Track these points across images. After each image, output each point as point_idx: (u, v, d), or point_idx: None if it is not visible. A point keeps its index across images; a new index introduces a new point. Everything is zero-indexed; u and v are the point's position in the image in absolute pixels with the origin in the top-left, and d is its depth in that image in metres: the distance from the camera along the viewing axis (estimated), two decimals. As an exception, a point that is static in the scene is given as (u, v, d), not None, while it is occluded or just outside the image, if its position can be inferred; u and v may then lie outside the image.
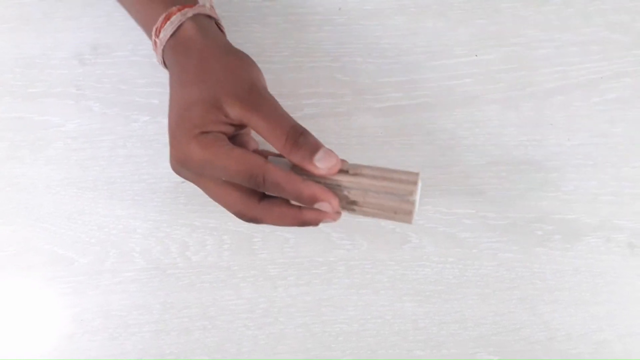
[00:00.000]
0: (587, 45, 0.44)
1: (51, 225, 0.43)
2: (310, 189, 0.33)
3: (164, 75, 0.44)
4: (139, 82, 0.44)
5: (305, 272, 0.42)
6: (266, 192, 0.34)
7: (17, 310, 0.42)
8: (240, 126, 0.35)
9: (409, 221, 0.33)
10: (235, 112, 0.34)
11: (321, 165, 0.33)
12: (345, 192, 0.34)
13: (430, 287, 0.41)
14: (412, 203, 0.33)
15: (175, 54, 0.37)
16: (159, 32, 0.37)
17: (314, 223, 0.35)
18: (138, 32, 0.44)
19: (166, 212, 0.43)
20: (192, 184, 0.36)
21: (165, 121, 0.43)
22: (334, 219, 0.35)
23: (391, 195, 0.33)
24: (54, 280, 0.42)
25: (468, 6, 0.44)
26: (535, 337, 0.41)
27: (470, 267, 0.42)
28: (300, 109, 0.43)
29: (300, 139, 0.33)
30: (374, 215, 0.34)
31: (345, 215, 0.43)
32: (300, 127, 0.34)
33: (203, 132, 0.34)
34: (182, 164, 0.35)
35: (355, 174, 0.34)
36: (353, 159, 0.43)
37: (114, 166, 0.43)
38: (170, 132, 0.36)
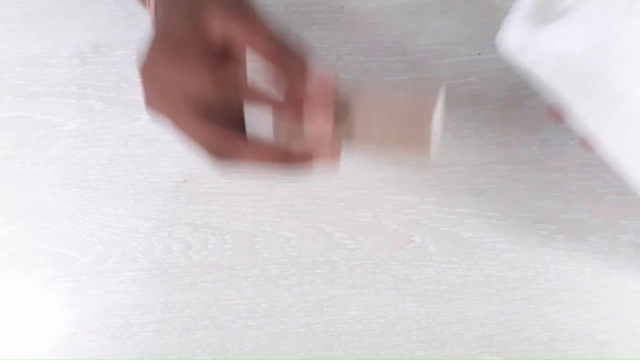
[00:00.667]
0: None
1: (53, 225, 0.43)
2: (300, 89, 0.28)
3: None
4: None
5: (308, 272, 0.42)
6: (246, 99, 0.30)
7: (18, 309, 0.42)
8: (226, 48, 0.31)
9: (425, 140, 0.26)
10: (216, 29, 0.30)
11: (319, 75, 0.29)
12: (343, 98, 0.28)
13: (433, 287, 0.41)
14: (436, 95, 0.26)
15: None
16: None
17: (304, 155, 0.30)
18: (139, 31, 0.44)
19: (168, 211, 0.43)
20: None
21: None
22: (331, 156, 0.30)
23: (404, 93, 0.27)
24: (56, 280, 0.42)
25: (471, 5, 0.44)
26: (539, 337, 0.41)
27: (473, 267, 0.41)
28: (303, 108, 0.43)
29: (289, 55, 0.30)
30: (380, 122, 0.27)
31: (347, 214, 0.43)
32: (289, 37, 0.30)
33: (180, 55, 0.30)
34: (157, 90, 0.31)
35: (356, 92, 0.28)
36: (355, 158, 0.43)
37: (116, 165, 0.43)
38: (146, 55, 0.32)
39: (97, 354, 0.41)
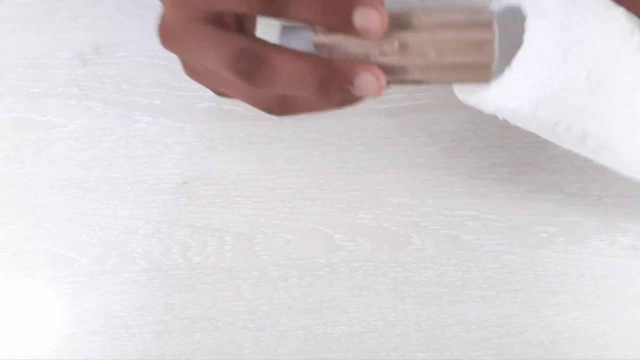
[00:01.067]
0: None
1: (52, 226, 0.43)
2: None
3: (166, 76, 0.44)
4: (141, 82, 0.44)
5: (307, 274, 0.42)
6: (284, 15, 0.25)
7: (18, 310, 0.42)
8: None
9: (490, 37, 0.24)
10: None
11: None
12: (396, 14, 0.24)
13: (433, 290, 0.41)
14: (492, 14, 0.24)
15: None
16: None
17: (347, 76, 0.25)
18: (141, 33, 0.44)
19: (167, 213, 0.43)
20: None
21: (166, 121, 0.43)
22: (377, 78, 0.25)
23: (460, 12, 0.24)
24: (55, 281, 0.42)
25: (469, 4, 0.44)
26: (539, 340, 0.41)
27: (473, 269, 0.41)
28: (303, 110, 0.43)
29: None
30: (437, 45, 0.24)
31: (347, 216, 0.43)
32: None
33: None
34: (175, 3, 0.26)
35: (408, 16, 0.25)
36: (355, 160, 0.44)
37: (116, 167, 0.43)
38: None
39: (97, 355, 0.41)
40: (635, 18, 0.28)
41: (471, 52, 0.25)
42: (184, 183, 0.43)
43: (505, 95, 0.28)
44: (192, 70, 0.30)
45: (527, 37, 0.27)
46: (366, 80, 0.25)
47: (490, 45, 0.25)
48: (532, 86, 0.27)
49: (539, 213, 0.42)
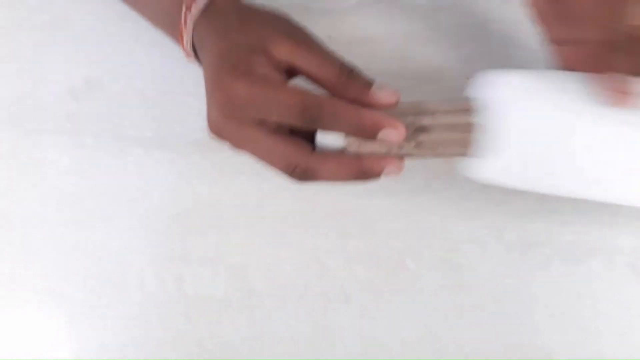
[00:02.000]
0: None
1: (47, 261, 0.43)
2: (372, 115, 0.30)
3: (157, 109, 0.44)
4: (133, 115, 0.44)
5: (302, 303, 0.41)
6: (321, 128, 0.31)
7: (11, 347, 0.42)
8: (289, 73, 0.33)
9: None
10: (283, 50, 0.31)
11: (381, 93, 0.31)
12: (411, 119, 0.31)
13: (428, 314, 0.41)
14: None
15: (210, 20, 0.35)
16: (190, 6, 0.35)
17: (376, 171, 0.32)
18: (131, 66, 0.45)
19: (161, 245, 0.43)
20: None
21: (158, 154, 0.44)
22: (398, 167, 0.32)
23: (462, 113, 0.31)
24: (50, 316, 0.42)
25: (458, 30, 0.44)
26: (539, 363, 0.40)
27: (468, 293, 0.41)
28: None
29: (353, 72, 0.32)
30: (444, 142, 0.32)
31: (340, 243, 0.43)
32: (350, 63, 0.32)
33: (250, 71, 0.31)
34: (225, 108, 0.31)
35: (417, 104, 0.32)
36: (348, 185, 0.43)
37: (109, 200, 0.43)
38: (209, 80, 0.33)
39: (92, 393, 0.41)
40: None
41: (468, 146, 0.33)
42: (177, 214, 0.43)
43: (493, 175, 0.35)
44: (239, 151, 0.34)
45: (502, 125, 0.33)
46: (390, 170, 0.32)
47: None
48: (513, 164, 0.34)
49: (534, 234, 0.42)
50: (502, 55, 0.44)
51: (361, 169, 0.32)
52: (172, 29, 0.37)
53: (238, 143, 0.33)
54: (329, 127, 0.31)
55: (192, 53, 0.37)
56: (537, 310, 0.41)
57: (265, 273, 0.42)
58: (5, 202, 0.43)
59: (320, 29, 0.44)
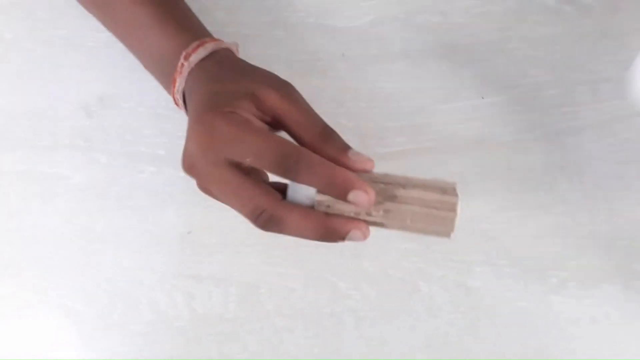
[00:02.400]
0: (597, 84, 0.43)
1: (59, 277, 0.43)
2: (344, 174, 0.30)
3: (170, 126, 0.44)
4: (145, 132, 0.44)
5: (313, 324, 0.41)
6: (294, 179, 0.31)
7: (26, 362, 0.43)
8: (271, 124, 0.33)
9: (449, 224, 0.31)
10: (271, 101, 0.32)
11: (356, 158, 0.31)
12: (382, 187, 0.31)
13: (442, 339, 0.40)
14: (456, 195, 0.31)
15: (204, 69, 0.36)
16: (189, 56, 0.36)
17: (341, 233, 0.31)
18: (144, 83, 0.45)
19: (172, 263, 0.43)
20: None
21: (170, 171, 0.44)
22: (363, 233, 0.32)
23: (433, 189, 0.31)
24: (62, 334, 0.42)
25: (473, 48, 0.44)
26: (553, 388, 0.40)
27: (482, 317, 0.40)
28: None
29: (334, 135, 0.32)
30: (412, 215, 0.31)
31: (351, 263, 0.42)
32: (330, 128, 0.33)
33: (234, 112, 0.31)
34: (203, 144, 0.31)
35: (389, 175, 0.32)
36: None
37: (121, 217, 0.43)
38: (192, 115, 0.33)
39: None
40: None
41: (437, 224, 0.32)
42: (188, 233, 0.43)
43: None
44: (205, 191, 0.34)
45: None
46: (355, 235, 0.32)
47: (452, 221, 0.31)
48: None
49: (549, 257, 0.41)
50: (519, 73, 0.43)
51: (327, 227, 0.31)
52: (164, 75, 0.38)
53: (207, 180, 0.33)
54: (303, 178, 0.31)
55: (180, 100, 0.37)
56: (551, 333, 0.40)
57: (276, 293, 0.42)
58: (18, 218, 0.44)
59: (333, 46, 0.44)
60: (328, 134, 0.32)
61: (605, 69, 0.43)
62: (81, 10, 0.46)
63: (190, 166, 0.33)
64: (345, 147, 0.32)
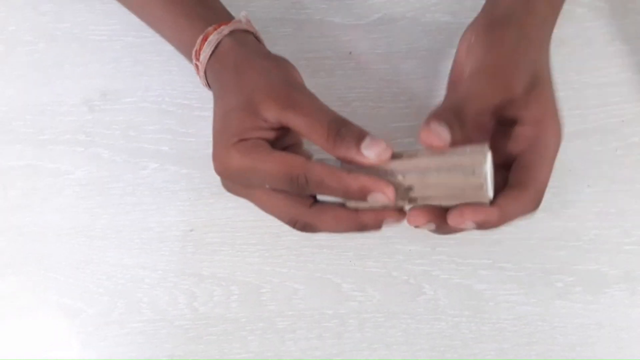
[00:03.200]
0: (606, 87, 0.43)
1: (59, 275, 0.42)
2: (357, 180, 0.30)
3: (173, 122, 0.44)
4: (148, 128, 0.44)
5: (315, 325, 0.41)
6: (313, 194, 0.33)
7: (21, 358, 0.42)
8: (283, 129, 0.33)
9: (483, 198, 0.29)
10: (271, 114, 0.32)
11: (369, 152, 0.30)
12: (400, 178, 0.30)
13: (446, 342, 0.40)
14: (481, 175, 0.28)
15: (213, 71, 0.36)
16: (199, 54, 0.36)
17: (375, 225, 0.32)
18: (147, 79, 0.44)
19: (174, 261, 0.42)
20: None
21: (173, 168, 0.43)
22: (397, 220, 0.32)
23: (454, 172, 0.29)
24: (62, 332, 0.42)
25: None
26: (557, 394, 0.39)
27: (487, 321, 0.40)
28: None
29: (342, 130, 0.31)
30: (438, 201, 0.30)
31: (355, 265, 0.42)
32: (342, 118, 0.32)
33: (242, 140, 0.32)
34: (224, 176, 0.34)
35: (410, 157, 0.30)
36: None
37: (123, 214, 0.43)
38: (213, 145, 0.34)
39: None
40: None
41: (468, 199, 0.30)
42: (191, 230, 0.42)
43: None
44: (232, 191, 0.37)
45: None
46: (389, 222, 0.32)
47: (484, 196, 0.30)
48: None
49: (554, 261, 0.40)
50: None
51: (359, 223, 0.32)
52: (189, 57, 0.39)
53: (242, 196, 0.35)
54: (318, 193, 0.32)
55: (209, 88, 0.38)
56: (556, 339, 0.40)
57: (278, 293, 0.41)
58: (19, 215, 0.43)
59: (340, 45, 0.44)
60: (335, 132, 0.31)
61: (615, 72, 0.43)
62: (85, 4, 0.45)
63: (227, 189, 0.36)
64: (357, 141, 0.30)
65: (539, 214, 0.41)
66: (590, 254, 0.40)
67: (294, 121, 0.32)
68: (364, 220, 0.32)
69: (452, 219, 0.30)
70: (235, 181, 0.34)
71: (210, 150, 0.43)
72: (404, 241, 0.41)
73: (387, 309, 0.41)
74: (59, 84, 0.45)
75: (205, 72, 0.37)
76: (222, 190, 0.42)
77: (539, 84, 0.33)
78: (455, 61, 0.38)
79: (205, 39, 0.36)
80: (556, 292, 0.40)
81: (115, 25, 0.45)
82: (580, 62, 0.43)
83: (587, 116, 0.42)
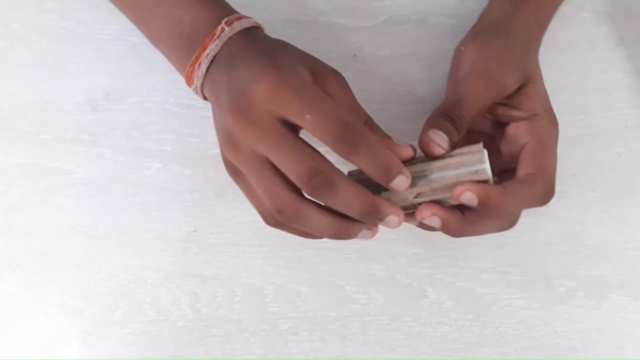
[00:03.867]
0: (611, 92, 0.43)
1: (61, 274, 0.42)
2: (397, 159, 0.31)
3: (177, 122, 0.44)
4: (152, 128, 0.43)
5: (318, 328, 0.41)
6: (349, 153, 0.30)
7: (23, 357, 0.42)
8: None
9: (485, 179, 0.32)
10: (329, 83, 0.33)
11: (399, 147, 0.33)
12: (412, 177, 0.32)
13: (448, 346, 0.40)
14: (485, 172, 0.31)
15: (252, 38, 0.34)
16: (232, 23, 0.34)
17: (382, 214, 0.31)
18: (152, 78, 0.44)
19: (177, 262, 0.42)
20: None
21: (176, 168, 0.43)
22: (399, 222, 0.32)
23: (458, 173, 0.32)
24: (64, 331, 0.42)
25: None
26: (558, 398, 0.39)
27: (489, 325, 0.40)
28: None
29: (376, 125, 0.34)
30: (444, 200, 0.32)
31: (359, 267, 0.42)
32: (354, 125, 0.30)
33: (303, 72, 0.31)
34: (266, 93, 0.30)
35: (412, 164, 0.33)
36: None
37: (126, 214, 0.43)
38: (251, 70, 0.31)
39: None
40: None
41: (464, 177, 0.32)
42: (194, 231, 0.42)
43: None
44: (234, 172, 0.34)
45: None
46: (392, 220, 0.32)
47: (482, 168, 0.32)
48: None
49: (557, 266, 0.41)
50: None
51: (374, 205, 0.31)
52: (183, 47, 0.36)
53: (259, 132, 0.30)
54: (360, 154, 0.31)
55: (205, 66, 0.35)
56: (558, 343, 0.40)
57: (281, 295, 0.41)
58: (21, 213, 0.43)
59: (345, 47, 0.44)
60: (373, 123, 0.34)
61: (619, 77, 0.43)
62: (89, 2, 0.45)
63: (240, 113, 0.31)
64: (388, 136, 0.33)
65: (543, 218, 0.41)
66: (593, 259, 0.41)
67: (345, 99, 0.34)
68: (378, 204, 0.31)
69: (456, 190, 0.31)
70: (275, 100, 0.30)
71: (213, 151, 0.43)
72: (407, 244, 0.41)
73: (390, 311, 0.41)
74: (63, 83, 0.45)
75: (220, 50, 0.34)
76: (226, 191, 0.43)
77: (529, 82, 0.35)
78: (449, 74, 0.40)
79: (244, 17, 0.35)
80: (559, 296, 0.40)
81: (120, 25, 0.45)
82: (584, 67, 0.43)
83: (591, 121, 0.42)
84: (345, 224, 0.32)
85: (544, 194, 0.34)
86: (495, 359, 0.40)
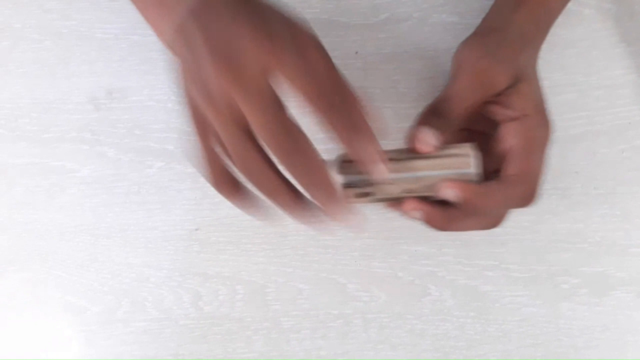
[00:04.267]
0: (613, 89, 0.42)
1: (64, 273, 0.42)
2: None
3: (179, 121, 0.44)
4: (154, 127, 0.44)
5: (320, 325, 0.41)
6: (329, 118, 0.29)
7: (25, 356, 0.42)
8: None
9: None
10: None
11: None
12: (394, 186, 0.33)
13: (451, 343, 0.40)
14: (470, 176, 0.32)
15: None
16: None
17: (306, 206, 0.31)
18: (154, 77, 0.44)
19: (179, 260, 0.42)
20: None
21: (179, 167, 0.43)
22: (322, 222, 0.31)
23: (447, 172, 0.32)
24: (67, 330, 0.42)
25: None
26: (562, 396, 0.39)
27: (492, 322, 0.40)
28: (316, 155, 0.43)
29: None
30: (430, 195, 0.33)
31: (361, 265, 0.42)
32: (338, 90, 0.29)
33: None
34: (257, 42, 0.28)
35: (400, 160, 0.33)
36: (370, 206, 0.43)
37: (128, 213, 0.43)
38: (241, 13, 0.29)
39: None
40: None
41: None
42: (196, 230, 0.42)
43: None
44: (198, 121, 0.31)
45: None
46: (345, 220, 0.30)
47: (470, 171, 0.33)
48: None
49: (560, 263, 0.40)
50: (533, 77, 0.43)
51: (295, 197, 0.31)
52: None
53: (249, 83, 0.29)
54: (338, 118, 0.29)
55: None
56: (561, 340, 0.40)
57: (283, 293, 0.41)
58: (24, 212, 0.43)
59: (347, 44, 0.44)
60: (329, 107, 0.30)
61: (622, 74, 0.43)
62: (91, 2, 0.45)
63: (225, 62, 0.28)
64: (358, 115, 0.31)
65: (545, 215, 0.41)
66: (596, 256, 0.40)
67: (279, 68, 0.29)
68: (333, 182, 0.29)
69: (439, 187, 0.32)
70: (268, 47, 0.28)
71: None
72: (409, 242, 0.41)
73: (393, 309, 0.40)
74: (65, 82, 0.45)
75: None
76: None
77: (521, 82, 0.35)
78: (450, 74, 0.40)
79: None
80: (562, 294, 0.40)
81: (122, 24, 0.45)
82: (587, 64, 0.43)
83: (593, 118, 0.42)
84: (300, 194, 0.31)
85: (526, 197, 0.34)
86: (498, 357, 0.40)
